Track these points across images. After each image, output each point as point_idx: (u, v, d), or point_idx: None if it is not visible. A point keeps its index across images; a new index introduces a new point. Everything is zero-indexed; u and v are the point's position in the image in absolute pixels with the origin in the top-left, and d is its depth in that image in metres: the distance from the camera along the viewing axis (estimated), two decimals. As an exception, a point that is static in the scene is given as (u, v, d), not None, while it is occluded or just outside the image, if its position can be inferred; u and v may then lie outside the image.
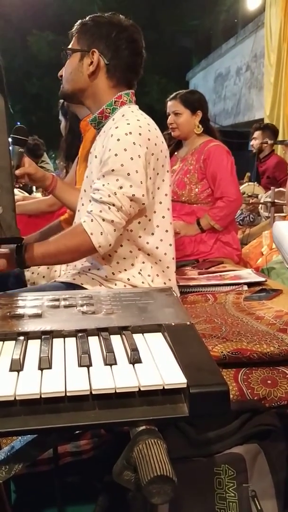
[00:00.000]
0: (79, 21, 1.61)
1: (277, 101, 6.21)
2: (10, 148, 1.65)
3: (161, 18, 11.88)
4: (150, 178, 1.50)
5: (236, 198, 2.65)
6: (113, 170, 1.43)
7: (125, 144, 1.43)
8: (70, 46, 1.61)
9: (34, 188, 5.55)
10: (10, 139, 1.66)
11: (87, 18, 1.60)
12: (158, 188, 1.55)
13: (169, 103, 2.79)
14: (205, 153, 2.66)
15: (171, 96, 2.82)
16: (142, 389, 0.70)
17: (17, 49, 11.72)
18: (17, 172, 1.59)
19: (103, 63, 1.54)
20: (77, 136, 2.29)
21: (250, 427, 1.23)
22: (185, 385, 0.70)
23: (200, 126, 2.74)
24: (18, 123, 1.76)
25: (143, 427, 0.69)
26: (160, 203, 1.56)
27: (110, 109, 1.56)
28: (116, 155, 1.42)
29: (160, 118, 1.59)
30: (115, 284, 1.54)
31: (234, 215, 2.89)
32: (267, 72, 6.62)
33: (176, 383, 0.71)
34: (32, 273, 1.86)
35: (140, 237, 1.53)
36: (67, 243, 1.47)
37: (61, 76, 1.72)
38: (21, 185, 1.80)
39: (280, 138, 5.61)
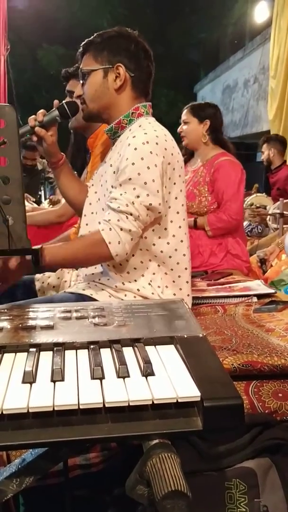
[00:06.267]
0: (88, 40, 1.60)
1: (284, 112, 6.21)
2: (52, 110, 1.63)
3: (169, 31, 11.97)
4: (166, 187, 1.51)
5: (236, 218, 2.66)
6: (130, 179, 1.44)
7: (142, 153, 1.44)
8: (86, 66, 1.59)
9: (43, 199, 5.59)
10: (58, 106, 1.63)
11: (95, 35, 1.60)
12: (176, 198, 1.55)
13: (182, 114, 2.85)
14: (215, 166, 2.68)
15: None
16: (155, 402, 0.70)
17: (27, 63, 11.85)
18: (38, 129, 1.58)
19: (128, 76, 1.56)
20: (81, 149, 2.30)
21: (261, 441, 1.21)
22: (199, 398, 0.70)
23: (206, 135, 2.74)
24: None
25: (156, 441, 0.69)
26: (177, 213, 1.56)
27: (127, 120, 1.57)
28: (133, 164, 1.44)
29: (168, 130, 1.60)
30: (125, 295, 1.54)
31: (228, 230, 2.77)
32: (272, 83, 6.63)
33: (190, 396, 0.70)
34: (42, 283, 1.86)
35: (154, 244, 1.54)
36: (86, 250, 1.48)
37: (79, 95, 1.71)
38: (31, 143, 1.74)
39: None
